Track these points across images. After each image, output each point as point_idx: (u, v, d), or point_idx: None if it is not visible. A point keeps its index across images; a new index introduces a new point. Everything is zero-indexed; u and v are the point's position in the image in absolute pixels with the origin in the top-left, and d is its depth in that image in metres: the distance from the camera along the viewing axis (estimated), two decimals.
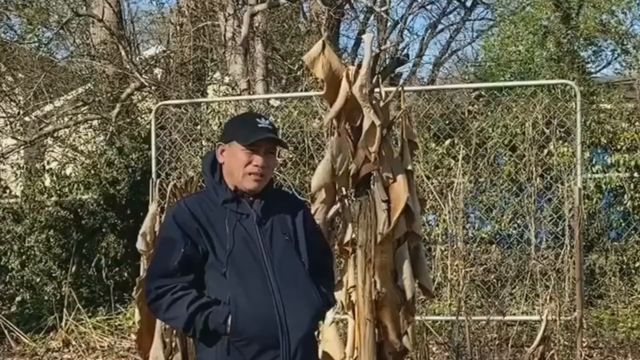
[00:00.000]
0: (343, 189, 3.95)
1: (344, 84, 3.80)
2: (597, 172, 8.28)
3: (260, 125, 2.88)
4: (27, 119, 12.66)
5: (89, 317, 8.00)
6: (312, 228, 3.07)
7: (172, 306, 2.82)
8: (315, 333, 3.07)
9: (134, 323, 7.63)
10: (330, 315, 3.88)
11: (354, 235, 3.95)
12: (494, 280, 7.25)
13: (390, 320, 3.90)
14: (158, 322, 4.30)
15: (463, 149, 7.22)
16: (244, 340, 2.76)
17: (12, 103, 13.05)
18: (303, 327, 2.81)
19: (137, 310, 4.62)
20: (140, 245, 4.50)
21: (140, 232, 4.52)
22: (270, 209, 2.92)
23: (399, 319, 3.92)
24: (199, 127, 8.56)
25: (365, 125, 3.80)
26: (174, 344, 4.38)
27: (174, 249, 2.83)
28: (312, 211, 3.88)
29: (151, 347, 4.39)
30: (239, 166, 2.87)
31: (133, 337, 7.36)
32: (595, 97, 11.05)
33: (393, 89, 4.29)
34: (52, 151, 12.22)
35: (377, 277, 3.84)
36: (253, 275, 2.80)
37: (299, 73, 12.48)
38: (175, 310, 2.81)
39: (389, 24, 16.19)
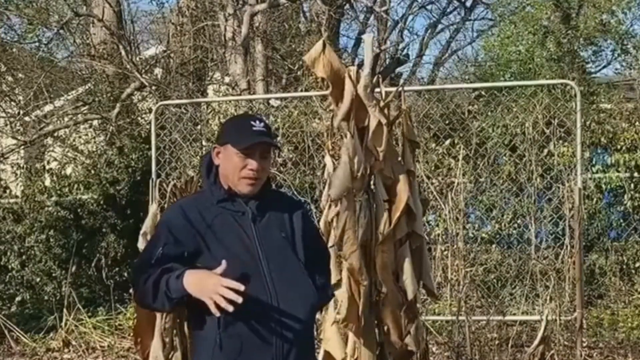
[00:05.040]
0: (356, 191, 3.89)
1: (348, 84, 3.78)
2: (597, 172, 8.28)
3: (254, 129, 2.87)
4: (27, 119, 12.68)
5: (89, 317, 7.99)
6: (310, 229, 3.06)
7: (147, 290, 2.77)
8: (315, 332, 3.07)
9: (134, 323, 7.64)
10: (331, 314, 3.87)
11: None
12: (494, 280, 7.26)
13: (391, 320, 3.89)
14: (157, 321, 4.29)
15: (463, 149, 7.23)
16: (239, 336, 2.75)
17: (12, 103, 13.07)
18: (298, 322, 2.81)
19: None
20: (141, 245, 4.50)
21: (141, 232, 4.52)
22: (266, 206, 2.93)
23: (400, 319, 3.90)
24: (199, 127, 8.57)
25: (372, 124, 3.77)
26: (174, 344, 4.38)
27: (155, 247, 2.84)
28: (328, 218, 3.85)
29: (150, 346, 4.38)
30: (234, 170, 2.87)
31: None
32: (595, 97, 11.06)
33: (393, 89, 4.28)
34: (52, 151, 12.21)
35: (378, 277, 3.82)
36: (248, 271, 2.79)
37: (299, 73, 12.49)
38: (149, 292, 2.76)
39: (389, 24, 16.22)
